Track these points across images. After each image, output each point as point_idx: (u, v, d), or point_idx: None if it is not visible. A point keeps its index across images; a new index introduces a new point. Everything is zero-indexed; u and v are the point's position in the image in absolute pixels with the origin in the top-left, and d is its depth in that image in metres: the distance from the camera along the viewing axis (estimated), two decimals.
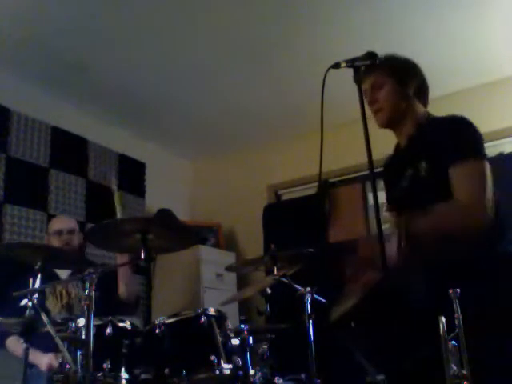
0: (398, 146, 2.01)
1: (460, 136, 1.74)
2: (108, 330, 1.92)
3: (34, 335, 1.88)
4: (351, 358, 2.11)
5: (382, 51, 1.53)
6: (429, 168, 1.75)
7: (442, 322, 1.39)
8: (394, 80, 1.89)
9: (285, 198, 4.92)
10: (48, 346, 2.30)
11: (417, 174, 1.78)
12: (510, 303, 1.61)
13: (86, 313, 1.69)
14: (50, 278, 2.61)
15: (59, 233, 2.94)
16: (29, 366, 1.95)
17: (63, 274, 2.83)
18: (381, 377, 1.93)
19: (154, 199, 4.57)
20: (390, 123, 1.93)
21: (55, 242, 2.89)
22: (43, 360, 2.40)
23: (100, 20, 3.13)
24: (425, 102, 1.96)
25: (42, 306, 2.59)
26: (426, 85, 1.96)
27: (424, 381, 1.60)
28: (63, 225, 2.99)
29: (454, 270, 1.61)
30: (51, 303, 2.79)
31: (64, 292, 2.84)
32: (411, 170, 1.81)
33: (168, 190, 4.83)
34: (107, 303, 2.13)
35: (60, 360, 1.91)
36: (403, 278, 1.67)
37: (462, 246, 1.61)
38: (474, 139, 1.75)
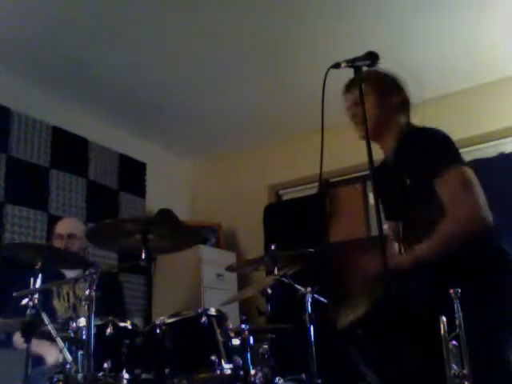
0: (384, 160, 2.03)
1: (434, 150, 1.76)
2: (108, 330, 1.92)
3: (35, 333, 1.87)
4: (350, 360, 2.10)
5: (382, 51, 1.53)
6: (412, 182, 1.78)
7: (443, 322, 1.39)
8: (376, 93, 1.91)
9: (285, 197, 4.92)
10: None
11: (404, 188, 1.81)
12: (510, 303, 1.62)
13: (87, 313, 1.70)
14: (56, 278, 2.62)
15: (60, 237, 2.98)
16: (33, 359, 1.93)
17: (70, 275, 2.83)
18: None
19: (155, 199, 4.57)
20: (372, 136, 1.94)
21: (57, 244, 2.94)
22: (51, 352, 2.35)
23: (101, 20, 3.13)
24: (408, 115, 1.98)
25: (48, 305, 2.61)
26: (408, 98, 1.98)
27: None
28: (64, 229, 3.02)
29: (454, 271, 1.62)
30: (58, 304, 2.81)
31: (71, 293, 2.86)
32: (398, 184, 1.84)
33: (168, 189, 4.83)
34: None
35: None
36: (405, 282, 1.68)
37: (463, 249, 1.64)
38: (447, 150, 1.77)
